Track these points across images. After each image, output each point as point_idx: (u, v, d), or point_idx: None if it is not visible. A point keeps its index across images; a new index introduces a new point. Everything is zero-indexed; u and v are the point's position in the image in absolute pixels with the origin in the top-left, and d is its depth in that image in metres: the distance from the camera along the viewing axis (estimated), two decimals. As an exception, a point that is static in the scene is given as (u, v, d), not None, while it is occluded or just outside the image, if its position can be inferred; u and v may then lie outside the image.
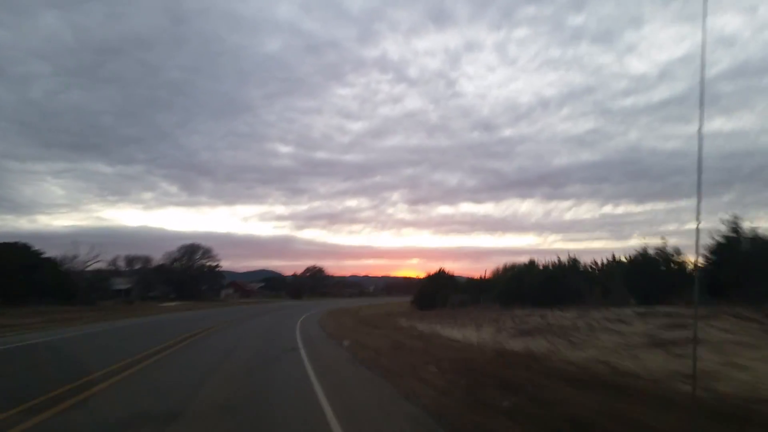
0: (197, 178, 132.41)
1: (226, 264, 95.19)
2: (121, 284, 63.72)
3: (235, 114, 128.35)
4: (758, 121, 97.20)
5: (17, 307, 31.34)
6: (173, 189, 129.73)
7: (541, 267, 29.87)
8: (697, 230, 4.82)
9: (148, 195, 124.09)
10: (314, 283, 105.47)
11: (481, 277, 66.88)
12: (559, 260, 28.56)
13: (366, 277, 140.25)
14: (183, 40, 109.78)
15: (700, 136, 4.66)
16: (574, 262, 27.92)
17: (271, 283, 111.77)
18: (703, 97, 4.77)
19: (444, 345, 13.49)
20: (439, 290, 59.68)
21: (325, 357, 11.44)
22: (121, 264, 70.24)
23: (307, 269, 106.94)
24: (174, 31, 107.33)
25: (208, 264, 77.81)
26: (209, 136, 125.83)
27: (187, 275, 72.88)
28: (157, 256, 73.04)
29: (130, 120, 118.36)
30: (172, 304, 54.26)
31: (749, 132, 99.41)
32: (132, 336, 16.35)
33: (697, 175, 4.90)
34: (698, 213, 4.65)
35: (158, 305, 50.41)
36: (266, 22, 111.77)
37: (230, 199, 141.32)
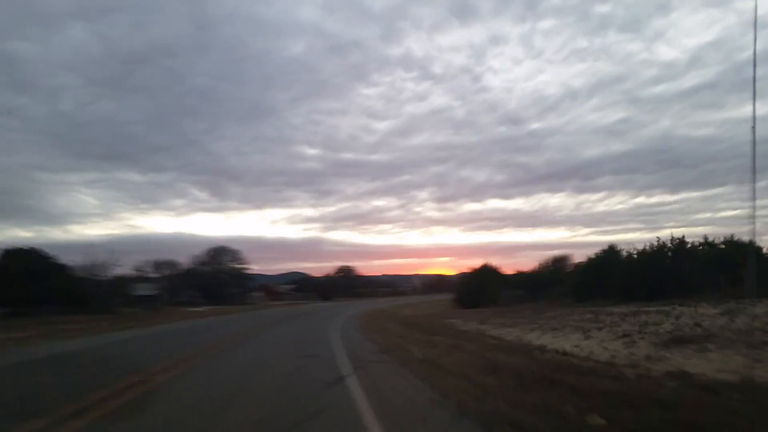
0: (226, 184, 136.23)
1: (257, 267, 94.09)
2: (147, 290, 60.93)
3: (261, 118, 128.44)
4: None
5: (20, 317, 27.98)
6: (203, 195, 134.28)
7: (628, 253, 24.42)
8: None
9: (179, 202, 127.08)
10: (345, 284, 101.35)
11: (530, 271, 61.37)
12: (661, 243, 22.95)
13: (396, 276, 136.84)
14: (207, 46, 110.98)
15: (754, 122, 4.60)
16: (679, 245, 22.32)
17: (302, 285, 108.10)
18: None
19: (564, 364, 8.56)
20: (485, 286, 53.98)
21: (393, 394, 6.51)
22: (149, 269, 67.66)
23: (339, 269, 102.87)
24: (198, 37, 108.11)
25: (236, 266, 74.56)
26: (236, 141, 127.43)
27: (215, 279, 69.64)
28: (186, 261, 70.07)
29: (159, 128, 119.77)
30: (200, 309, 50.82)
31: None
32: (77, 369, 9.80)
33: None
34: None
35: (185, 310, 46.97)
36: (289, 25, 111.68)
37: (259, 203, 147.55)
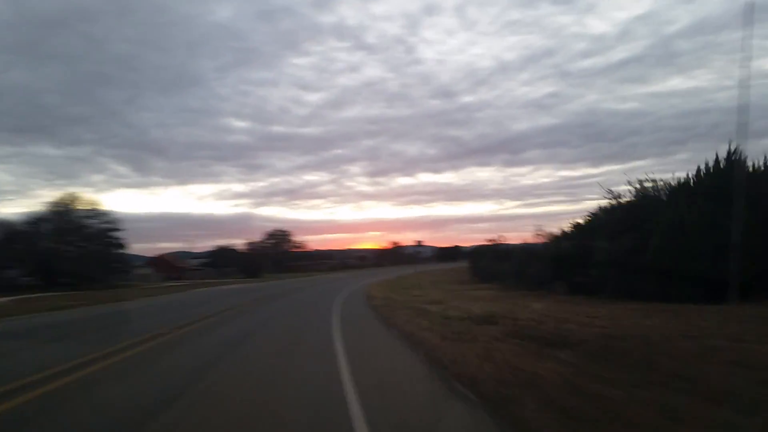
0: (149, 158, 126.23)
1: (183, 245, 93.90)
2: None
3: (186, 88, 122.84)
4: (715, 78, 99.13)
5: None
6: (124, 170, 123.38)
7: None
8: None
9: (98, 177, 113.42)
10: (280, 256, 75.65)
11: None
12: None
13: (328, 251, 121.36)
14: (129, 10, 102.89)
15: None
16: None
17: (219, 258, 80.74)
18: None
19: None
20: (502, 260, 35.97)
21: None
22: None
23: (270, 235, 76.64)
24: (119, 1, 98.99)
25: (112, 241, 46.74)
26: (160, 112, 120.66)
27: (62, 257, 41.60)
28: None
29: (76, 98, 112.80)
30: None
31: (705, 90, 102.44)
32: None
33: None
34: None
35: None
36: None
37: (184, 178, 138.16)
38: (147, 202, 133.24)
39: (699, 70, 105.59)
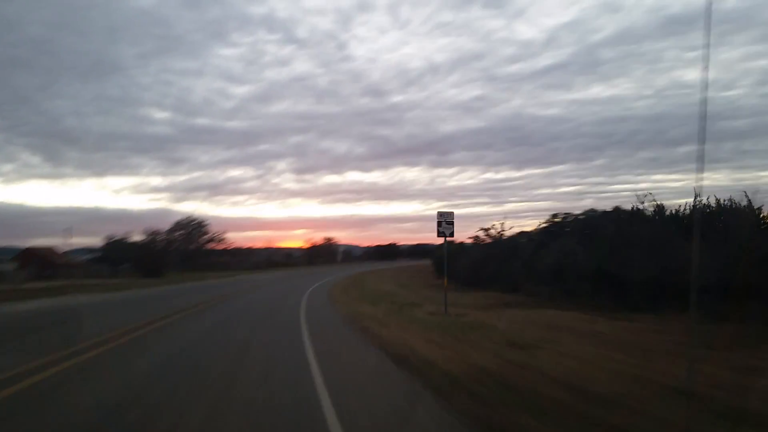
0: (62, 147, 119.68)
1: (88, 241, 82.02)
2: None
3: (105, 75, 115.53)
4: (635, 87, 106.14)
5: None
6: (35, 160, 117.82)
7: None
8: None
9: (7, 167, 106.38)
10: (192, 252, 61.25)
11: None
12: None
13: (253, 249, 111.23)
14: None
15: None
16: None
17: (114, 253, 64.26)
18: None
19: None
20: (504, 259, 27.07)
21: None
22: None
23: (178, 225, 61.84)
24: None
25: None
26: (75, 100, 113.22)
27: None
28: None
29: None
30: None
31: (625, 98, 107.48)
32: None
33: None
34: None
35: None
36: None
37: (100, 169, 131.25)
38: (59, 194, 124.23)
39: (620, 78, 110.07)
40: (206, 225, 66.28)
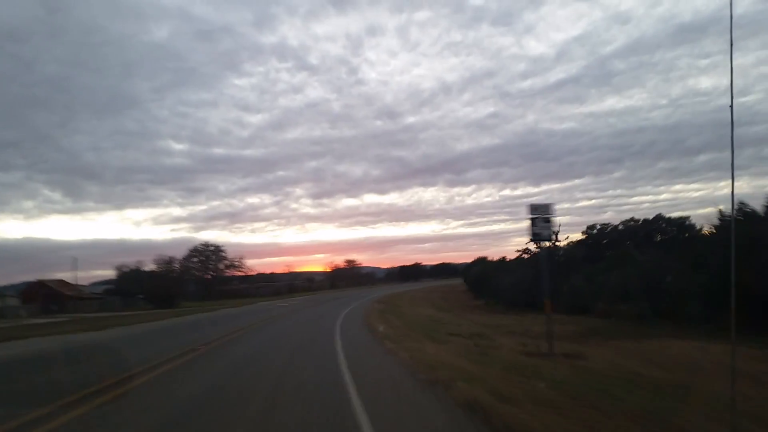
0: (82, 183, 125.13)
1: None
2: None
3: (121, 110, 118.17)
4: (649, 97, 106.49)
5: None
6: (56, 195, 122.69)
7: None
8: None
9: (29, 204, 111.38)
10: (209, 279, 57.66)
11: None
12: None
13: (273, 275, 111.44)
14: (61, 30, 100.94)
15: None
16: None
17: (127, 284, 61.04)
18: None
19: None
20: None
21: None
22: None
23: (195, 252, 58.43)
24: (49, 20, 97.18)
25: None
26: (93, 135, 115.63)
27: None
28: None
29: (5, 122, 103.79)
30: None
31: (640, 109, 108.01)
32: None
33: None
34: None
35: None
36: (152, 7, 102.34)
37: (120, 202, 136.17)
38: (80, 229, 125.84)
39: (634, 89, 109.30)
40: (223, 251, 62.96)
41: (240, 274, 66.36)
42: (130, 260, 69.04)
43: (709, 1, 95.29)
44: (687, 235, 38.52)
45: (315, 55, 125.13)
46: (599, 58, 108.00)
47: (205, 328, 19.79)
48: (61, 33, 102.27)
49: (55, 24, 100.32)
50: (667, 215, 47.86)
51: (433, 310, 29.11)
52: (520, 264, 32.00)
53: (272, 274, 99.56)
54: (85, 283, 69.16)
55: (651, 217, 55.26)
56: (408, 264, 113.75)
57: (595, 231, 54.58)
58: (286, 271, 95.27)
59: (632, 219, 56.86)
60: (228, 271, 65.04)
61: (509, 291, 28.65)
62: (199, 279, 62.08)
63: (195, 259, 60.90)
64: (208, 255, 61.74)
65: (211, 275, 63.04)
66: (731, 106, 4.25)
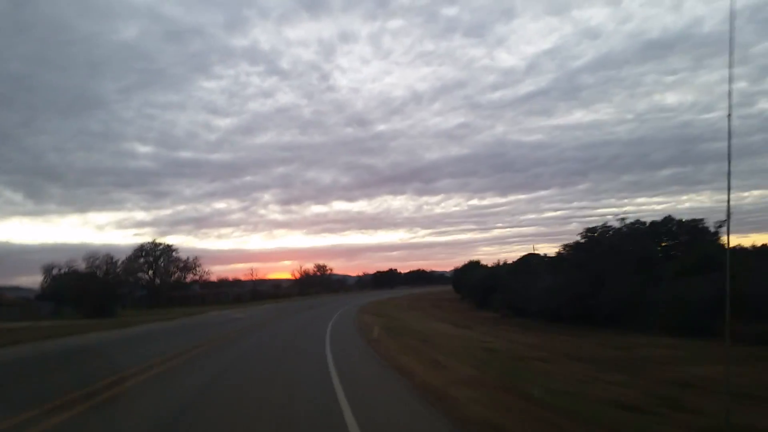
0: (44, 184, 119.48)
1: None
2: None
3: (86, 110, 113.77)
4: (615, 111, 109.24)
5: None
6: (17, 197, 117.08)
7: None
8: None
9: None
10: (159, 284, 49.05)
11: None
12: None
13: (237, 281, 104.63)
14: (26, 26, 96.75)
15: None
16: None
17: (59, 290, 51.39)
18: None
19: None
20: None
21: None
22: None
23: (139, 250, 49.63)
24: (14, 16, 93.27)
25: None
26: (57, 135, 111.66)
27: None
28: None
29: None
30: None
31: (607, 123, 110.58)
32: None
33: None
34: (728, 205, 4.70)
35: None
36: (122, 6, 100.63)
37: (83, 205, 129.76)
38: (42, 232, 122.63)
39: (601, 103, 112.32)
40: (175, 250, 54.39)
41: (196, 278, 57.93)
42: (60, 260, 59.27)
43: (677, 18, 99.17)
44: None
45: (286, 60, 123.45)
46: (568, 71, 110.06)
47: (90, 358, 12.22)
48: (25, 30, 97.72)
49: (21, 19, 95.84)
50: (678, 218, 42.28)
51: (444, 324, 22.18)
52: (566, 263, 25.34)
53: (236, 280, 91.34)
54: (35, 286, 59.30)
55: (660, 219, 50.16)
56: (383, 270, 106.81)
57: (594, 234, 49.12)
58: (252, 278, 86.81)
59: (637, 221, 51.68)
60: (182, 274, 56.61)
61: (541, 299, 22.01)
62: (149, 284, 53.46)
63: (141, 260, 52.21)
64: (156, 256, 53.10)
65: (165, 280, 54.48)
66: (729, 116, 4.33)
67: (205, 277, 59.39)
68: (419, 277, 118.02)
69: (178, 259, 55.14)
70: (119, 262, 51.63)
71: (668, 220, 46.01)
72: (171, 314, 34.13)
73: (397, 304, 40.45)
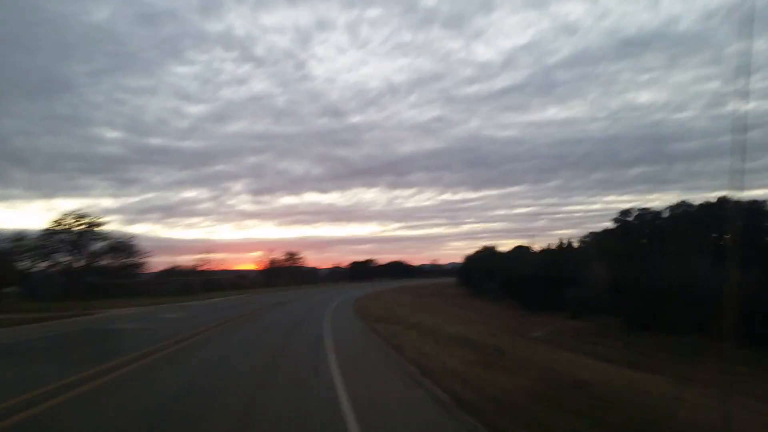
0: (9, 168, 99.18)
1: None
2: None
3: (54, 94, 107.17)
4: (589, 109, 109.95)
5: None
6: None
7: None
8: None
9: None
10: (83, 268, 36.64)
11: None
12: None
13: (192, 271, 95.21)
14: None
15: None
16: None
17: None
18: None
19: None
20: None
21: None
22: None
23: (56, 224, 37.12)
24: None
25: None
26: (23, 119, 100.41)
27: None
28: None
29: None
30: None
31: (580, 120, 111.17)
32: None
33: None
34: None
35: None
36: None
37: (48, 191, 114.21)
38: (4, 217, 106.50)
39: (575, 100, 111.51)
40: (101, 225, 41.96)
41: (133, 263, 45.82)
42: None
43: (653, 17, 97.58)
44: None
45: (262, 47, 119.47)
46: (544, 67, 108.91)
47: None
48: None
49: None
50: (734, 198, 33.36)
51: (484, 329, 11.71)
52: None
53: (192, 269, 78.37)
54: None
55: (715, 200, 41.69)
56: (360, 261, 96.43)
57: (628, 219, 39.98)
58: (211, 268, 74.12)
59: (683, 202, 42.56)
60: (115, 258, 44.45)
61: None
62: (67, 269, 41.17)
63: (55, 238, 39.75)
64: (78, 235, 40.64)
65: (86, 264, 42.19)
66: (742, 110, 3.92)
67: (140, 261, 47.30)
68: (398, 269, 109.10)
69: (105, 239, 42.75)
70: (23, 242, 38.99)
71: (723, 200, 37.66)
72: (89, 307, 22.25)
73: (397, 300, 29.66)
